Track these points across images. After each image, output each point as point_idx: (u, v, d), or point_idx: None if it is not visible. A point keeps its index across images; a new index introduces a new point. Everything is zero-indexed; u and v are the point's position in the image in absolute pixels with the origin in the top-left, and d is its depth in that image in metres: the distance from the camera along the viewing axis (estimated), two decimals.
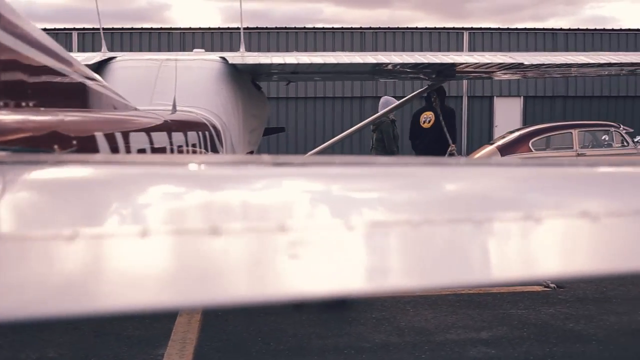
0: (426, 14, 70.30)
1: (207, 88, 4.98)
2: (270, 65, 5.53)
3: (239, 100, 5.31)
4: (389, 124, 9.57)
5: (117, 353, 4.44)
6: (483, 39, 25.01)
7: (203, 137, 4.06)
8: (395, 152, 9.62)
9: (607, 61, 5.73)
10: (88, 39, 22.21)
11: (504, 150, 13.56)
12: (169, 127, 3.51)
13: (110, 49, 6.85)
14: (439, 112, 6.26)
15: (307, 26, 24.87)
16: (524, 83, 24.44)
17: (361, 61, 5.70)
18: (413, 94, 6.48)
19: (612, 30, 26.00)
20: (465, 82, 24.47)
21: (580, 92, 24.88)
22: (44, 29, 6.53)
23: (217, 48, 21.93)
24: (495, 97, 24.72)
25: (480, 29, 25.39)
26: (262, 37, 23.91)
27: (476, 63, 5.52)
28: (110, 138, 2.52)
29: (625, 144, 13.60)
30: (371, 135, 10.04)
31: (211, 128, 4.34)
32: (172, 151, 3.32)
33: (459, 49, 24.74)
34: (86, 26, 22.25)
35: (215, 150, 4.20)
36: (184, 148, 3.59)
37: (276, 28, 24.47)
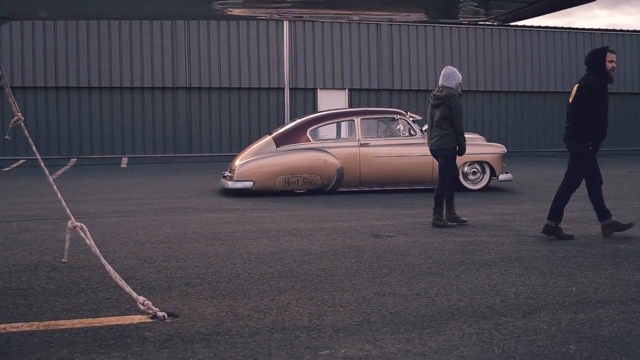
0: None
1: None
2: None
3: None
4: (458, 98, 7.86)
5: None
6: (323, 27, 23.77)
7: None
8: (463, 130, 7.88)
9: None
10: None
11: (280, 140, 12.13)
12: None
13: None
14: None
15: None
16: (349, 76, 23.46)
17: None
18: None
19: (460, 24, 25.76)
20: (286, 74, 23.10)
21: (405, 86, 24.19)
22: None
23: None
24: (319, 89, 23.53)
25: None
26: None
27: None
28: None
29: (412, 132, 12.48)
30: (431, 112, 8.17)
31: None
32: None
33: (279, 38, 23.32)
34: None
35: None
36: None
37: None
